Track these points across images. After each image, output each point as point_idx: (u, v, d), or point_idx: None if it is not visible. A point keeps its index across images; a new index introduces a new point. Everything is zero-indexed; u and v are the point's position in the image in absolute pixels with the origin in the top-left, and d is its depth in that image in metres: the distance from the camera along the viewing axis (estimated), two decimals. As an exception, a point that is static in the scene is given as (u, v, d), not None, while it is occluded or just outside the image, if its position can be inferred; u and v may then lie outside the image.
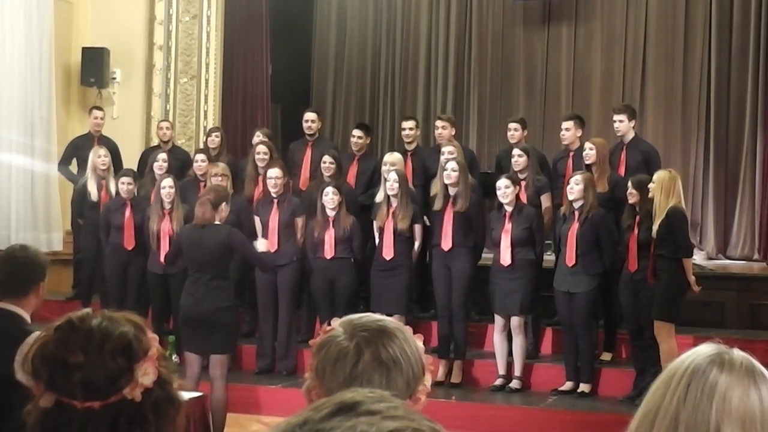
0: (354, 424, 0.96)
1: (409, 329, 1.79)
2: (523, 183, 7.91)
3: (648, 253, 7.16)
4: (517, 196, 7.67)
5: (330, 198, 7.97)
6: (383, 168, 8.40)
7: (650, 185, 7.13)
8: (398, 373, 1.71)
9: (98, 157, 8.92)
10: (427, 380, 1.77)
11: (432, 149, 9.14)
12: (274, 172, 8.16)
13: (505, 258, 7.58)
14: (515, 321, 7.62)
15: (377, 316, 1.80)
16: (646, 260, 7.18)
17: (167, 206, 8.09)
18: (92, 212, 8.90)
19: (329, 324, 1.80)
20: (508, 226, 7.59)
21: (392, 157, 8.48)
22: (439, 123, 8.99)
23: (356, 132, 9.28)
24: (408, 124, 9.06)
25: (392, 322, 1.78)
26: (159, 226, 8.12)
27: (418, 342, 1.79)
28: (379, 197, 8.40)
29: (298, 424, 0.98)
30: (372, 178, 8.91)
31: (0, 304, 3.70)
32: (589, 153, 7.94)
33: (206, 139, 9.58)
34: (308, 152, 9.22)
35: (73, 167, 9.71)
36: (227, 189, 7.64)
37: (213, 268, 6.47)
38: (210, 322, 6.37)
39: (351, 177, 8.95)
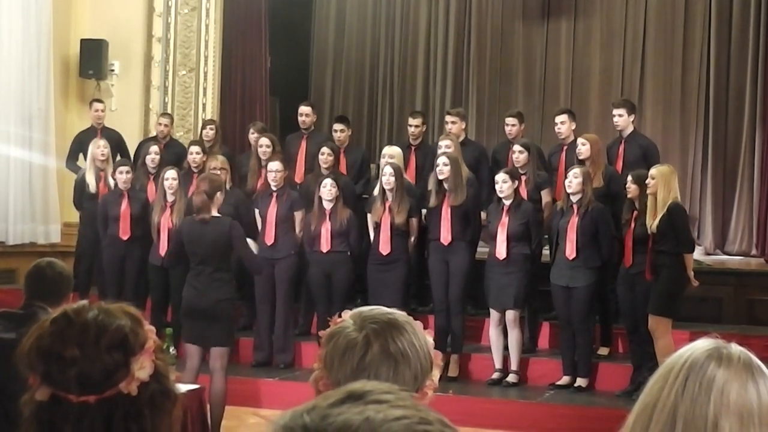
0: (362, 410, 0.97)
1: (419, 324, 1.79)
2: (523, 178, 7.90)
3: (644, 248, 7.15)
4: (517, 191, 7.67)
5: (328, 190, 7.96)
6: (382, 161, 8.39)
7: (648, 180, 7.11)
8: (406, 367, 1.71)
9: (98, 148, 8.90)
10: (435, 375, 1.77)
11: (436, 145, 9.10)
12: (275, 165, 8.15)
13: (501, 252, 7.59)
14: (510, 315, 7.62)
15: (387, 309, 1.80)
16: (642, 255, 7.18)
17: (170, 198, 8.05)
18: (90, 204, 8.88)
19: (340, 316, 1.80)
20: (505, 219, 7.60)
21: (392, 150, 8.48)
22: (449, 118, 8.92)
23: (337, 126, 9.24)
24: (415, 121, 9.03)
25: (402, 315, 1.78)
26: (160, 218, 8.10)
27: (428, 337, 1.78)
28: (377, 190, 8.40)
29: (306, 410, 0.99)
30: (361, 169, 8.91)
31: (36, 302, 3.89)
32: (582, 149, 7.91)
33: (201, 132, 9.58)
34: (303, 145, 9.22)
35: (81, 162, 9.66)
36: (221, 178, 7.60)
37: (216, 261, 6.44)
38: (211, 313, 6.36)
39: (341, 171, 8.94)
